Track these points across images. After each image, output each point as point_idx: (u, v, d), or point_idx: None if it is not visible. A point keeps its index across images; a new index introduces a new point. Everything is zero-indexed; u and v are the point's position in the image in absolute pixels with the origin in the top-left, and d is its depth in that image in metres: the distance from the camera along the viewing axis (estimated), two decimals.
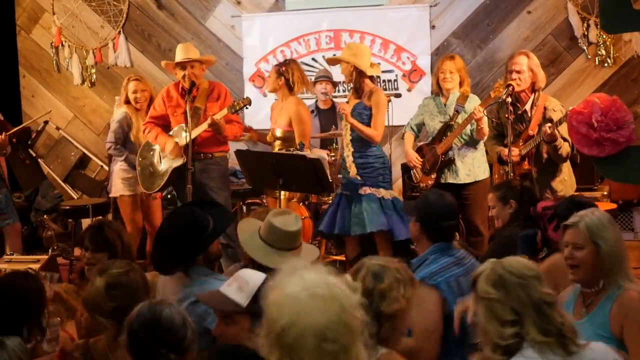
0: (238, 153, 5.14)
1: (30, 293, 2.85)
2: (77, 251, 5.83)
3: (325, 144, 6.33)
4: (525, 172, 4.97)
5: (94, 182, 7.50)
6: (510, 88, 4.88)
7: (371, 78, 5.09)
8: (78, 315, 3.35)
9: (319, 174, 4.71)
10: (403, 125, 5.64)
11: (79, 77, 7.53)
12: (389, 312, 2.39)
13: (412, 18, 6.94)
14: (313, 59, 7.04)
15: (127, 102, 5.77)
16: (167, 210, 6.06)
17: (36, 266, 4.62)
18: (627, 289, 2.63)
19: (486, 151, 5.29)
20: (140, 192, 5.67)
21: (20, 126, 6.59)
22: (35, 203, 7.41)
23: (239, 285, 2.45)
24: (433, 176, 5.27)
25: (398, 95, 6.14)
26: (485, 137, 5.12)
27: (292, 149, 5.27)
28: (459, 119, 5.14)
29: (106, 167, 7.14)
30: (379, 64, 5.40)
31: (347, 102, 5.15)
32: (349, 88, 5.27)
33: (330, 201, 5.46)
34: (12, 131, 5.81)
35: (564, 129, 4.58)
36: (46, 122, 7.59)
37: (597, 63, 6.59)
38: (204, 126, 5.09)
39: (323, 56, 6.96)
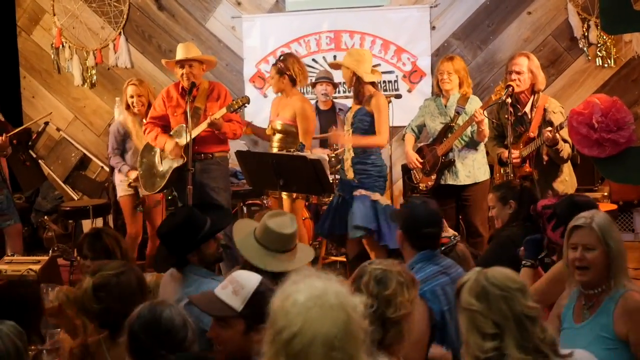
0: (238, 154, 5.14)
1: (28, 299, 2.84)
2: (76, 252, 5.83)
3: (325, 144, 6.33)
4: (526, 175, 4.97)
5: (95, 183, 7.49)
6: (510, 89, 4.88)
7: (372, 83, 5.06)
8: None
9: (319, 174, 4.71)
10: (403, 126, 5.64)
11: (80, 78, 7.52)
12: (395, 318, 2.36)
13: (413, 19, 6.94)
14: (313, 59, 7.04)
15: (128, 107, 5.78)
16: (168, 211, 6.06)
17: (36, 267, 4.59)
18: (628, 290, 2.62)
19: (487, 152, 5.30)
20: (143, 195, 5.68)
21: (21, 127, 6.56)
22: (36, 204, 7.40)
23: (233, 289, 2.42)
24: (433, 177, 5.27)
25: (398, 96, 6.12)
26: (486, 139, 5.13)
27: (292, 150, 5.27)
28: (460, 121, 5.14)
29: (106, 168, 7.15)
30: (379, 67, 5.38)
31: (351, 109, 5.14)
32: (350, 90, 5.26)
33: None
34: (12, 132, 5.79)
35: (564, 131, 4.58)
36: (47, 123, 7.58)
37: (597, 64, 6.59)
38: (203, 126, 5.08)
39: (323, 57, 6.97)
